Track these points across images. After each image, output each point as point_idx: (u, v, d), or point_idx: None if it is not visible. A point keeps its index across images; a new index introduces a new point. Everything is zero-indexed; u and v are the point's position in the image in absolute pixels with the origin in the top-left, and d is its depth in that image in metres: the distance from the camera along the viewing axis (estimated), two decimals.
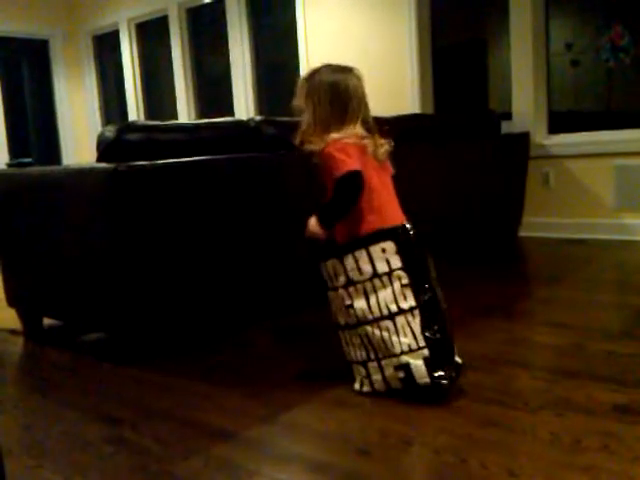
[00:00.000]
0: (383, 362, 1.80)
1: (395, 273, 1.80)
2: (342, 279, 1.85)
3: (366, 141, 1.88)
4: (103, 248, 2.30)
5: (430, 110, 4.94)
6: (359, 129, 1.89)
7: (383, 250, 1.81)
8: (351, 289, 1.83)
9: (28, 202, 2.66)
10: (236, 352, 2.35)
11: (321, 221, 1.86)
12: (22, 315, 2.84)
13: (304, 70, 5.55)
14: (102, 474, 1.51)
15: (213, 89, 6.60)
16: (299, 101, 1.98)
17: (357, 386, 1.87)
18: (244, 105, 6.08)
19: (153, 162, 2.32)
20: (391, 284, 1.79)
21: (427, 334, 1.77)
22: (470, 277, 3.22)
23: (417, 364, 1.75)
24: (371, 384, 1.84)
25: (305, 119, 1.95)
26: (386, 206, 1.90)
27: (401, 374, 1.77)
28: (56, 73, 7.52)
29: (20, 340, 2.75)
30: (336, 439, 1.60)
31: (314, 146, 1.91)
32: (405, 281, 1.79)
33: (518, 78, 4.45)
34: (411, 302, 1.79)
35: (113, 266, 2.28)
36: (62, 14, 7.39)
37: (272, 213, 2.70)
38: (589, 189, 4.25)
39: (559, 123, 4.46)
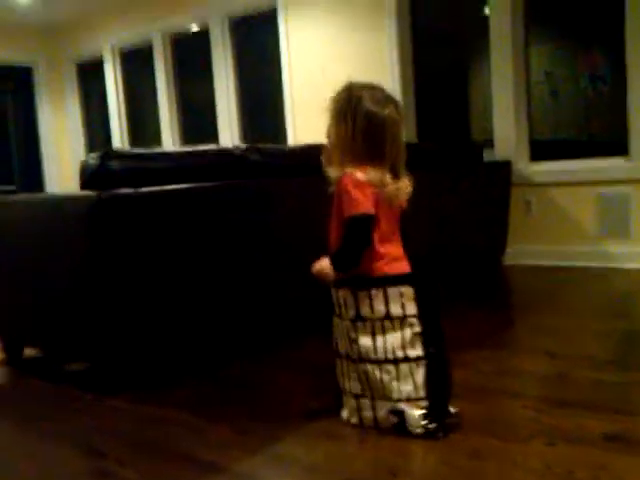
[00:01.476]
0: (377, 402, 1.76)
1: (409, 319, 1.75)
2: (352, 312, 1.79)
3: (388, 189, 1.80)
4: (86, 276, 2.27)
5: (413, 138, 4.98)
6: (385, 175, 1.80)
7: (401, 294, 1.76)
8: (359, 324, 1.78)
9: (10, 230, 2.62)
10: (222, 383, 2.31)
11: (335, 267, 1.79)
12: (3, 345, 2.79)
13: (288, 96, 5.58)
14: None
15: (198, 116, 6.62)
16: (330, 116, 1.86)
17: (345, 415, 1.84)
18: (229, 132, 6.09)
19: (137, 190, 2.30)
20: (402, 329, 1.75)
21: (429, 386, 1.73)
22: (455, 306, 3.21)
23: (413, 414, 1.71)
24: (360, 418, 1.80)
25: (331, 139, 1.86)
26: (395, 248, 1.87)
27: (394, 419, 1.74)
28: (40, 100, 7.50)
29: (1, 371, 2.69)
30: (324, 472, 1.58)
31: (331, 172, 1.84)
32: (417, 329, 1.75)
33: (499, 106, 4.50)
34: (419, 352, 1.74)
35: (96, 295, 2.25)
36: (46, 41, 7.40)
37: (257, 239, 2.68)
38: (572, 216, 4.29)
39: (540, 151, 4.51)
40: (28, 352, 2.76)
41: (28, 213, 2.55)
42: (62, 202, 2.43)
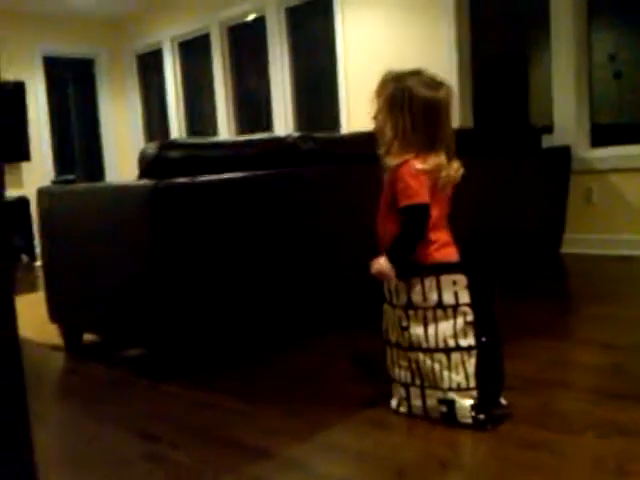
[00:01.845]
0: (427, 391, 1.76)
1: (461, 308, 1.73)
2: (403, 299, 1.79)
3: (444, 173, 1.81)
4: (144, 264, 2.33)
5: (470, 124, 4.90)
6: (442, 158, 1.81)
7: (454, 282, 1.73)
8: (410, 312, 1.77)
9: (71, 219, 2.71)
10: (274, 370, 2.35)
11: (392, 261, 1.78)
12: (63, 331, 2.89)
13: (342, 84, 5.57)
14: None
15: (253, 105, 6.68)
16: (379, 102, 1.86)
17: (394, 404, 1.84)
18: (283, 121, 6.13)
19: (193, 178, 2.35)
20: (454, 318, 1.73)
21: (480, 376, 1.71)
22: (512, 295, 3.16)
23: (463, 404, 1.70)
24: (409, 407, 1.80)
25: (385, 129, 1.84)
26: (445, 234, 1.87)
27: (444, 409, 1.73)
28: (101, 91, 7.70)
29: (61, 356, 2.80)
30: (372, 460, 1.58)
31: (390, 161, 1.83)
32: (469, 318, 1.73)
33: (559, 91, 4.38)
34: (470, 341, 1.72)
35: (153, 282, 2.31)
36: (107, 34, 7.58)
37: (310, 227, 2.70)
38: (635, 204, 4.14)
39: (602, 136, 4.37)
40: (87, 338, 2.86)
41: (87, 202, 2.63)
42: (121, 191, 2.49)
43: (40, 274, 3.10)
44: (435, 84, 1.83)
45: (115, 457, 1.71)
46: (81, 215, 2.65)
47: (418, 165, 1.78)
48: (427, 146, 1.80)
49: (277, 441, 1.71)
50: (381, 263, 1.80)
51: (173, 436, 1.81)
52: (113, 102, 7.75)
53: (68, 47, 7.30)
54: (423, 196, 1.77)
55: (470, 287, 1.74)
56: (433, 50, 4.88)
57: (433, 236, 1.83)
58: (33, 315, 3.22)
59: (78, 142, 7.81)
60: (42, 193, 2.88)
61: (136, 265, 2.37)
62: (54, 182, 4.37)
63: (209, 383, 2.24)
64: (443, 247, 1.85)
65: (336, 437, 1.73)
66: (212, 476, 1.55)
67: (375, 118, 1.89)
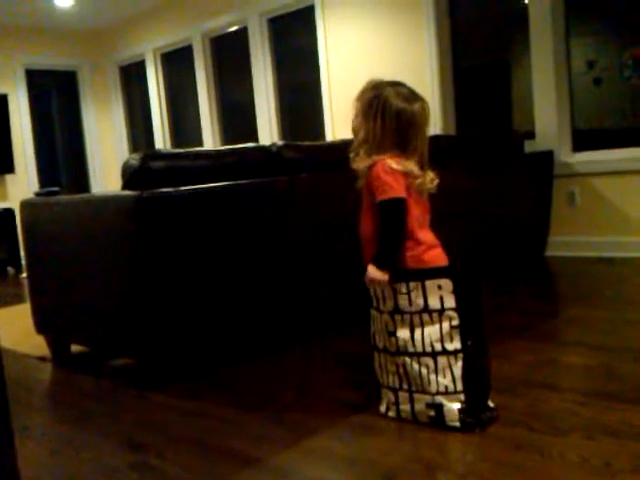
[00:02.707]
0: (415, 395, 1.77)
1: (447, 313, 1.74)
2: (390, 305, 1.80)
3: (418, 181, 1.85)
4: (129, 274, 2.33)
5: (452, 131, 4.94)
6: (414, 166, 1.86)
7: (439, 287, 1.75)
8: (397, 317, 1.79)
9: (55, 230, 2.70)
10: (261, 377, 2.35)
11: (380, 265, 1.81)
12: (50, 342, 2.87)
13: (326, 94, 5.60)
14: None
15: (237, 115, 6.69)
16: (357, 107, 1.92)
17: (383, 409, 1.85)
18: (268, 129, 6.14)
19: (177, 189, 2.35)
20: (440, 322, 1.74)
21: (467, 380, 1.72)
22: (497, 297, 3.18)
23: (451, 407, 1.72)
24: (397, 411, 1.81)
25: (359, 133, 1.91)
26: (429, 236, 1.90)
27: (432, 413, 1.74)
28: (84, 103, 7.68)
29: (48, 367, 2.78)
30: (361, 464, 1.59)
31: (360, 164, 1.89)
32: (455, 322, 1.74)
33: (540, 97, 4.43)
34: (457, 345, 1.73)
35: (138, 292, 2.30)
36: (90, 46, 7.57)
37: (294, 236, 2.71)
38: (616, 207, 4.19)
39: (583, 141, 4.42)
40: (74, 348, 2.84)
41: (72, 213, 2.62)
42: (104, 202, 2.49)
43: (26, 286, 3.08)
44: (411, 97, 1.89)
45: (103, 467, 1.70)
46: (65, 227, 2.64)
47: (393, 164, 1.82)
48: (397, 153, 1.85)
49: (265, 448, 1.71)
50: (369, 272, 1.83)
51: (161, 445, 1.80)
52: (97, 113, 7.73)
53: (50, 59, 7.28)
54: (399, 190, 1.81)
55: (456, 291, 1.75)
56: (415, 58, 4.92)
57: (421, 236, 1.87)
58: (20, 327, 3.20)
59: (62, 154, 7.78)
60: (25, 205, 2.87)
61: (121, 275, 2.36)
62: (37, 194, 4.35)
63: (196, 392, 2.24)
64: (431, 248, 1.89)
65: (325, 442, 1.73)
66: None
67: (353, 121, 1.95)
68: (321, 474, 1.57)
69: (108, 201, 2.45)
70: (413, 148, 1.87)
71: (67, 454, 1.82)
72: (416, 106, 1.87)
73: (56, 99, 7.73)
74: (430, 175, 1.90)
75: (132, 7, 6.73)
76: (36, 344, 2.92)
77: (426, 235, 1.90)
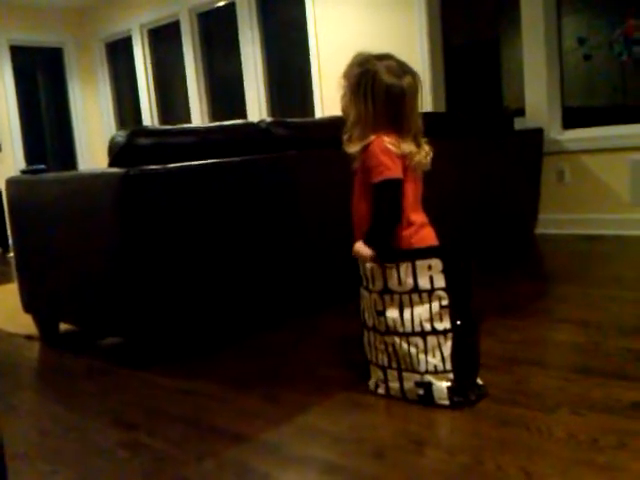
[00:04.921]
0: (404, 374, 1.77)
1: (436, 292, 1.73)
2: (379, 284, 1.79)
3: (415, 159, 1.82)
4: (116, 252, 2.31)
5: (442, 108, 4.91)
6: (411, 144, 1.82)
7: (429, 267, 1.73)
8: (386, 297, 1.78)
9: (42, 208, 2.67)
10: (251, 354, 2.35)
11: (372, 243, 1.79)
12: (38, 321, 2.86)
13: (315, 70, 5.55)
14: (117, 479, 1.51)
15: (226, 91, 6.63)
16: (345, 84, 1.87)
17: (372, 385, 1.86)
18: (257, 106, 6.09)
19: (164, 166, 2.33)
20: (430, 302, 1.73)
21: (455, 359, 1.72)
22: (485, 275, 3.19)
23: (439, 386, 1.72)
24: (387, 389, 1.82)
25: (349, 113, 1.86)
26: (420, 216, 1.89)
27: (420, 391, 1.74)
28: (70, 80, 7.58)
29: (36, 346, 2.77)
30: (350, 441, 1.59)
31: (353, 147, 1.85)
32: (445, 302, 1.73)
33: (530, 74, 4.41)
34: (446, 324, 1.73)
35: (127, 270, 2.29)
36: (75, 22, 7.46)
37: (283, 213, 2.69)
38: (605, 184, 4.20)
39: (573, 118, 4.41)
40: (63, 327, 2.82)
41: (58, 191, 2.60)
42: (91, 179, 2.46)
43: (13, 265, 3.06)
44: (400, 71, 1.84)
45: (93, 446, 1.70)
46: (52, 205, 2.61)
47: (387, 142, 1.79)
48: (392, 131, 1.82)
49: (255, 425, 1.72)
50: (357, 246, 1.83)
51: (151, 423, 1.80)
52: (83, 91, 7.64)
53: (35, 35, 7.17)
54: (395, 171, 1.78)
55: (446, 271, 1.74)
56: (405, 35, 4.88)
57: (413, 216, 1.86)
58: (7, 305, 3.18)
59: (49, 131, 7.69)
60: (11, 183, 2.84)
61: (109, 254, 2.34)
62: (23, 172, 4.29)
63: (186, 370, 2.24)
64: (421, 228, 1.88)
65: (314, 419, 1.73)
66: (192, 461, 1.54)
67: (341, 100, 1.91)
68: (311, 451, 1.57)
69: (95, 178, 2.43)
70: (408, 124, 1.83)
71: (55, 433, 1.82)
72: (406, 80, 1.83)
73: (42, 76, 7.62)
74: (425, 149, 1.87)
75: None
76: (24, 323, 2.90)
77: (417, 215, 1.89)
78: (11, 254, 5.41)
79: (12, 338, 2.85)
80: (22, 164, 6.87)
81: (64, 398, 2.11)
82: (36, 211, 2.71)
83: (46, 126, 7.67)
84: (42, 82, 7.62)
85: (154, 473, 1.51)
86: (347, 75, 1.88)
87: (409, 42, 4.85)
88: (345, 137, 1.90)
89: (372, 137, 1.81)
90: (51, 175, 2.77)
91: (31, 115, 7.39)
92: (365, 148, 1.82)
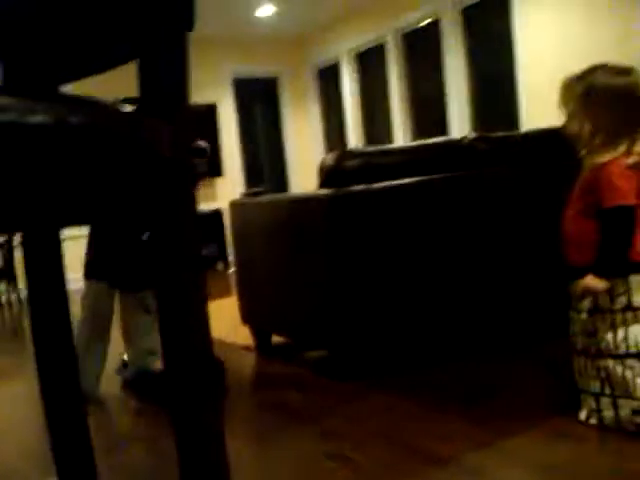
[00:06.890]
0: (619, 401, 1.65)
1: None
2: (587, 303, 1.70)
3: None
4: (324, 270, 2.42)
5: None
6: None
7: None
8: (597, 316, 1.68)
9: (258, 228, 2.88)
10: (452, 377, 2.31)
11: (601, 275, 1.68)
12: (254, 332, 3.08)
13: (521, 83, 5.37)
14: None
15: (427, 109, 6.65)
16: (570, 106, 1.78)
17: (583, 416, 1.74)
18: (459, 122, 6.03)
19: (370, 186, 2.40)
20: None
21: None
22: None
23: None
24: (600, 419, 1.70)
25: (583, 127, 1.75)
26: None
27: (637, 420, 1.61)
28: (283, 107, 8.10)
29: (252, 356, 2.98)
30: (557, 474, 1.51)
31: (598, 158, 1.73)
32: None
33: None
34: None
35: (332, 288, 2.38)
36: (290, 51, 7.96)
37: (490, 231, 2.63)
38: None
39: None
40: (275, 339, 3.01)
41: (272, 212, 2.79)
42: (302, 201, 2.61)
43: (233, 280, 3.33)
44: (624, 70, 1.74)
45: (297, 455, 1.79)
46: (267, 224, 2.81)
47: (628, 160, 1.67)
48: (632, 130, 1.70)
49: (456, 447, 1.69)
50: (587, 281, 1.70)
51: (353, 436, 1.85)
52: (295, 117, 8.12)
53: (255, 67, 7.77)
54: (629, 197, 1.66)
55: None
56: (622, 41, 4.54)
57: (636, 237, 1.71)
58: (228, 318, 3.46)
59: (265, 156, 8.27)
60: (233, 205, 3.10)
61: (317, 271, 2.46)
62: (244, 194, 4.67)
63: (388, 384, 2.27)
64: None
65: (517, 446, 1.66)
66: None
67: (568, 125, 1.79)
68: (515, 477, 1.51)
69: (306, 200, 2.57)
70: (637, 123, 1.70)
71: (261, 439, 1.93)
72: (633, 78, 1.71)
73: (258, 104, 8.22)
74: None
75: (327, 12, 6.96)
76: (242, 335, 3.14)
77: (638, 235, 1.71)
78: (231, 270, 5.89)
79: (231, 348, 3.09)
80: (241, 187, 7.46)
81: (275, 405, 2.24)
82: (253, 230, 2.93)
83: (262, 151, 8.26)
84: (258, 110, 8.22)
85: None
86: (568, 97, 1.78)
87: (628, 46, 4.50)
88: (583, 152, 1.78)
89: (613, 155, 1.69)
90: (267, 197, 2.98)
91: (249, 140, 8.00)
92: (601, 168, 1.70)
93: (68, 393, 0.94)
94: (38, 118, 0.65)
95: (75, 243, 2.83)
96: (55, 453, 0.98)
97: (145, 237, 2.39)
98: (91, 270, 2.52)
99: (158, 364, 2.43)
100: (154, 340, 2.42)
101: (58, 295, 0.91)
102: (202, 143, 2.49)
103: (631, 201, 1.66)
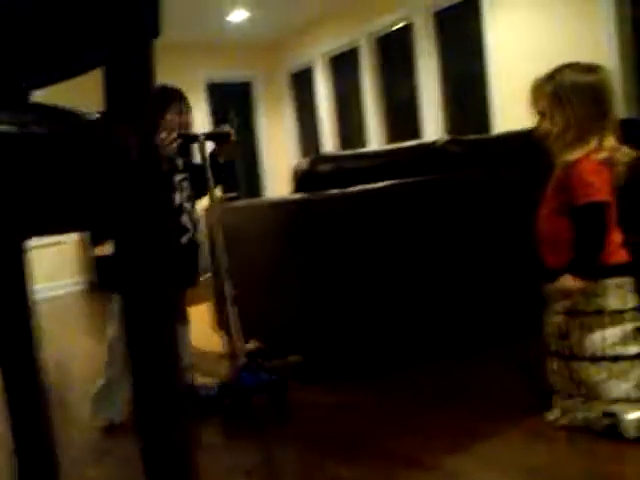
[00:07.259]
0: (590, 403, 1.66)
1: (629, 313, 1.63)
2: (561, 305, 1.71)
3: (618, 155, 1.69)
4: (297, 275, 2.41)
5: (635, 112, 4.56)
6: (614, 140, 1.71)
7: (620, 286, 1.64)
8: (571, 319, 1.69)
9: (234, 232, 2.86)
10: (429, 380, 2.31)
11: (577, 274, 1.67)
12: (230, 338, 3.05)
13: (493, 85, 5.42)
14: None
15: (401, 113, 6.68)
16: (540, 105, 1.78)
17: (552, 417, 1.75)
18: (433, 126, 6.07)
19: (343, 190, 2.40)
20: (621, 324, 1.63)
21: None
22: None
23: (628, 418, 1.59)
24: (570, 419, 1.71)
25: (555, 129, 1.75)
26: (617, 234, 1.73)
27: (606, 421, 1.62)
28: (257, 112, 8.09)
29: (224, 361, 2.95)
30: (532, 475, 1.51)
31: (570, 156, 1.72)
32: (638, 324, 1.63)
33: None
34: (638, 348, 1.62)
35: (306, 293, 2.38)
36: (264, 56, 7.94)
37: (459, 234, 2.65)
38: None
39: None
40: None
41: (248, 217, 2.78)
42: (276, 205, 2.61)
43: (206, 287, 3.30)
44: (592, 68, 1.76)
45: (283, 464, 1.78)
46: (241, 230, 2.80)
47: (599, 156, 1.68)
48: (601, 126, 1.70)
49: (432, 452, 1.69)
50: (563, 281, 1.70)
51: (330, 441, 1.84)
52: (269, 121, 8.10)
53: (229, 72, 7.74)
54: (603, 193, 1.66)
55: (638, 290, 1.62)
56: (591, 45, 4.60)
57: (612, 236, 1.71)
58: (201, 324, 3.43)
59: (239, 161, 8.23)
60: (209, 211, 3.08)
61: (291, 276, 2.46)
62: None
63: (360, 388, 2.26)
64: (617, 249, 1.72)
65: (493, 449, 1.67)
66: None
67: (540, 125, 1.79)
68: None
69: (280, 204, 2.57)
70: (612, 118, 1.72)
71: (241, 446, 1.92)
72: (601, 75, 1.74)
73: (233, 109, 8.18)
74: (624, 149, 1.71)
75: (301, 16, 6.96)
76: (215, 341, 3.11)
77: (613, 235, 1.72)
78: (206, 275, 5.84)
79: (206, 356, 3.06)
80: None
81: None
82: (229, 236, 2.91)
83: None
84: (233, 116, 8.18)
85: None
86: (538, 97, 1.79)
87: (596, 52, 4.56)
88: (556, 149, 1.77)
89: (580, 154, 1.70)
90: (241, 202, 2.98)
91: None
92: (572, 165, 1.71)
93: (31, 406, 0.93)
94: (1, 127, 0.64)
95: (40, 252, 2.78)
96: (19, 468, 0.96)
97: (185, 240, 2.25)
98: (116, 281, 2.24)
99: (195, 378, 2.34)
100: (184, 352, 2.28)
101: (20, 306, 0.90)
102: (225, 127, 2.37)
103: (603, 197, 1.65)
